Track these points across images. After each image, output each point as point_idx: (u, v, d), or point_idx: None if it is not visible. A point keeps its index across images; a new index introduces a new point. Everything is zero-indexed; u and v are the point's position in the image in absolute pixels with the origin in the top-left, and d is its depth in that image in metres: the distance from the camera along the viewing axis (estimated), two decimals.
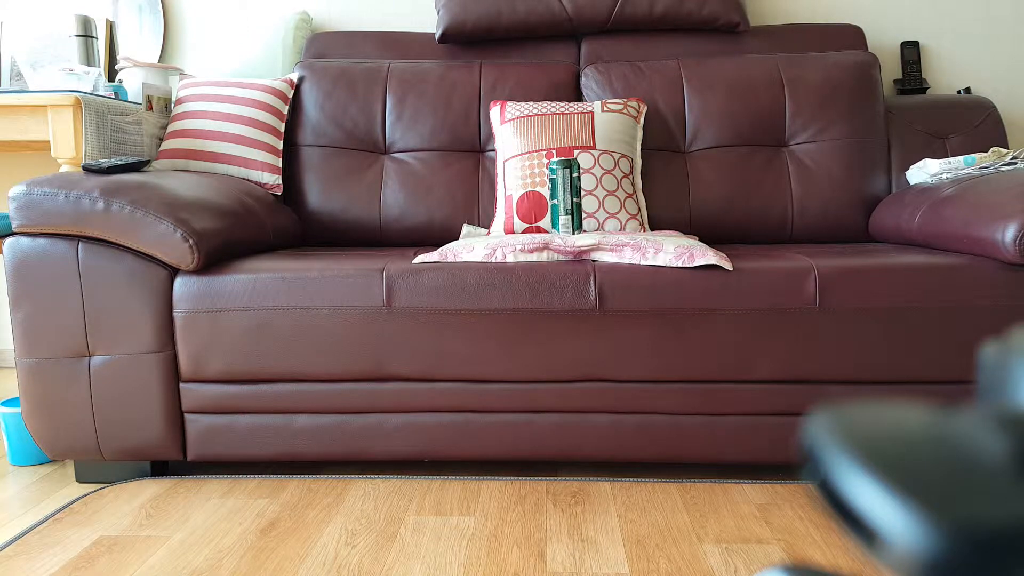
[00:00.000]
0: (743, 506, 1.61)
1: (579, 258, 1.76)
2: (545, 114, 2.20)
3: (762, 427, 1.69)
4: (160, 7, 2.75)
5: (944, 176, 2.05)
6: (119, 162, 1.89)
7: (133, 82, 2.42)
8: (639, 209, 2.15)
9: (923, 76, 2.62)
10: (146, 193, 1.74)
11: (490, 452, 1.74)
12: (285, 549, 1.45)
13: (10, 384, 2.72)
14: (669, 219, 2.28)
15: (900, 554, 0.16)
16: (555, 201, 1.96)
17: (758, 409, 1.68)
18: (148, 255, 1.73)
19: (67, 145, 2.06)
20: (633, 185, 2.17)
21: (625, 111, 2.22)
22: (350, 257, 1.86)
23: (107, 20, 2.71)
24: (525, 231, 2.10)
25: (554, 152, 2.13)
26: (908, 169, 2.23)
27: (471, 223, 2.30)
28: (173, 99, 2.39)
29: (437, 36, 2.47)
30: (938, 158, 2.18)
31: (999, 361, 0.21)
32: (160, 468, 1.87)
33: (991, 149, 2.07)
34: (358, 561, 1.40)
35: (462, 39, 2.48)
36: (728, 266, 1.65)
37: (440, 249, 1.80)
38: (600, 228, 2.08)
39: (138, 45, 2.75)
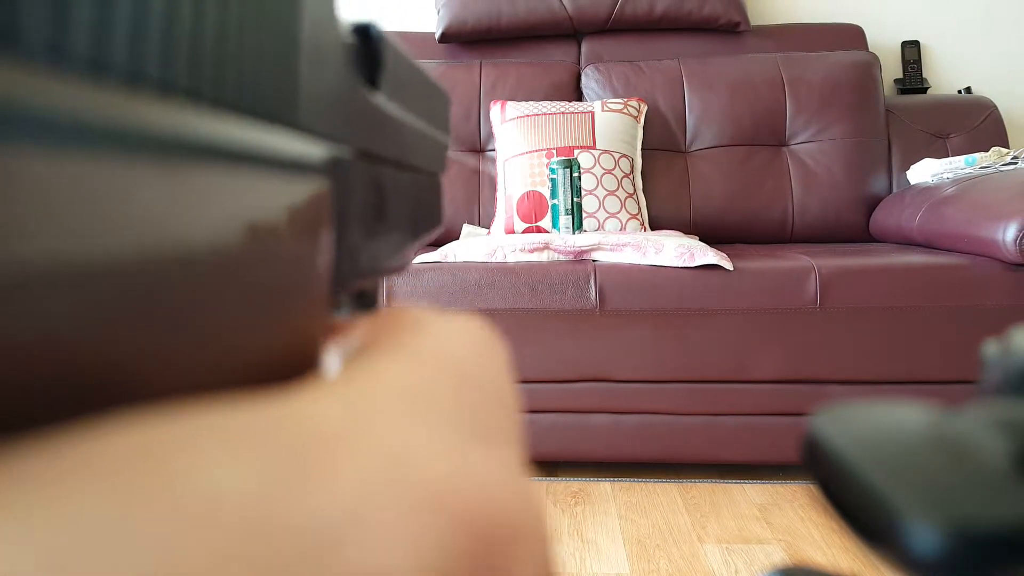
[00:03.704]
0: (744, 506, 1.60)
1: (579, 258, 1.76)
2: (546, 114, 2.20)
3: (762, 427, 1.68)
4: None
5: (945, 176, 2.05)
6: None
7: None
8: (639, 209, 2.15)
9: (924, 76, 2.62)
10: None
11: None
12: None
13: None
14: (670, 219, 2.27)
15: (900, 554, 0.16)
16: (555, 201, 1.95)
17: (758, 409, 1.68)
18: None
19: None
20: (633, 185, 2.17)
21: (625, 111, 2.22)
22: None
23: None
24: (525, 231, 2.09)
25: (554, 152, 2.13)
26: (909, 169, 2.23)
27: (471, 223, 2.30)
28: None
29: (437, 36, 2.46)
30: (939, 158, 2.18)
31: (1000, 361, 0.21)
32: None
33: (992, 149, 2.06)
34: None
35: (462, 39, 2.48)
36: (729, 266, 1.65)
37: (440, 249, 1.80)
38: (600, 228, 2.07)
39: None
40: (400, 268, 0.21)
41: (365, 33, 0.16)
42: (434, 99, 0.23)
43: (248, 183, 0.11)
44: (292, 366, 0.12)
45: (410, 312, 0.15)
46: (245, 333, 0.11)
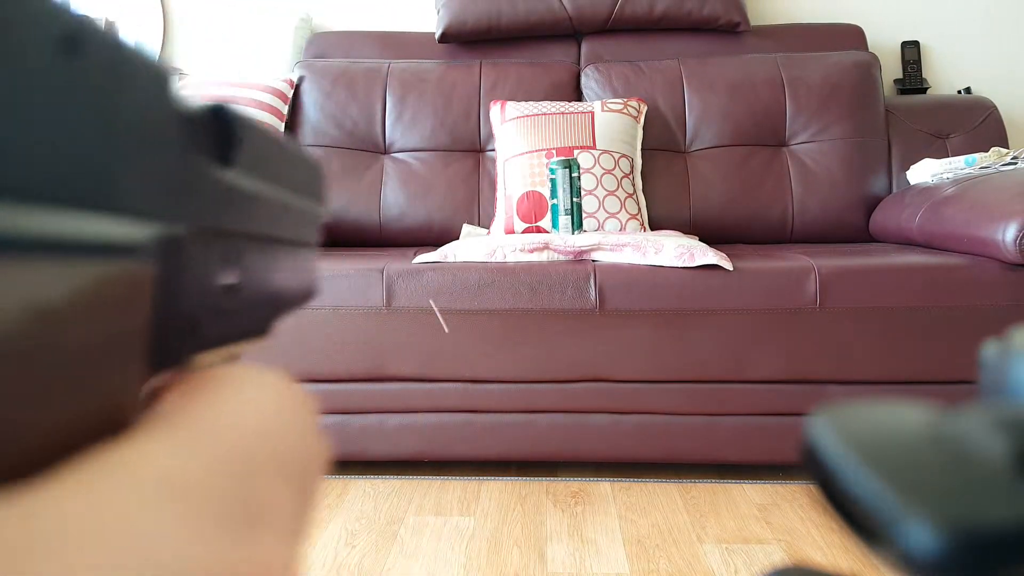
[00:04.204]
0: (743, 506, 1.61)
1: (579, 258, 1.76)
2: (545, 114, 2.20)
3: (762, 427, 1.69)
4: (160, 7, 2.75)
5: (944, 176, 2.05)
6: None
7: None
8: (639, 209, 2.15)
9: (923, 76, 2.62)
10: None
11: (490, 452, 1.74)
12: None
13: None
14: (669, 219, 2.28)
15: (900, 554, 0.16)
16: (555, 201, 1.95)
17: (758, 409, 1.68)
18: None
19: None
20: (633, 185, 2.17)
21: (625, 111, 2.22)
22: (350, 257, 1.85)
23: (107, 20, 2.71)
24: (525, 231, 2.10)
25: (554, 152, 2.13)
26: (908, 169, 2.23)
27: (471, 223, 2.30)
28: None
29: (437, 36, 2.47)
30: (938, 158, 2.18)
31: (999, 361, 0.21)
32: None
33: (991, 149, 2.07)
34: (358, 562, 1.40)
35: (462, 39, 2.48)
36: (728, 266, 1.65)
37: (440, 249, 1.80)
38: (600, 228, 2.08)
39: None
40: (262, 335, 0.21)
41: (219, 113, 0.17)
42: (304, 172, 0.23)
43: (42, 271, 0.11)
44: (96, 444, 0.12)
45: (215, 377, 0.15)
46: (36, 418, 0.11)
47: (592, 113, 2.19)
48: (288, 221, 0.22)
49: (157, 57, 0.14)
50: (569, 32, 2.50)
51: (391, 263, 1.73)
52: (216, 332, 0.18)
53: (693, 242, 1.77)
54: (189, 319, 0.16)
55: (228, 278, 0.18)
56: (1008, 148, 2.16)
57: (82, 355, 0.12)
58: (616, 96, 2.36)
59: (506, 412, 1.72)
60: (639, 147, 2.23)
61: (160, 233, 0.14)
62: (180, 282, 0.15)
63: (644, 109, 2.28)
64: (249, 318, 0.20)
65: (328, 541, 1.48)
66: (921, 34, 2.65)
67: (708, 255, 1.66)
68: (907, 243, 2.02)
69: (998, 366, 0.21)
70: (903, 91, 2.59)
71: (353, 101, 2.39)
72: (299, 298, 0.25)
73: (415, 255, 1.92)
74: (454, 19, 2.42)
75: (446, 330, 1.19)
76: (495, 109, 2.27)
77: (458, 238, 2.24)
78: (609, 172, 2.12)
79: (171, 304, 0.15)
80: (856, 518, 0.17)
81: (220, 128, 0.17)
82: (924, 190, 2.01)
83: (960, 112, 2.38)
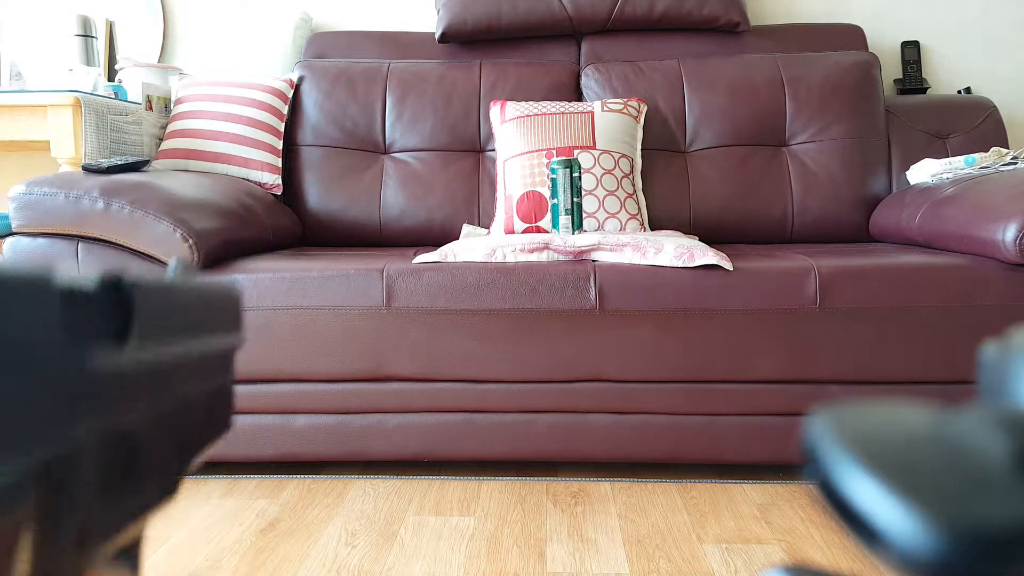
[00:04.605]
0: (743, 506, 1.61)
1: (579, 258, 1.76)
2: (545, 114, 2.20)
3: (762, 427, 1.69)
4: (160, 7, 2.75)
5: (944, 176, 2.05)
6: (119, 162, 1.89)
7: (133, 82, 2.42)
8: (639, 209, 2.15)
9: (923, 76, 2.62)
10: (145, 193, 1.74)
11: (490, 452, 1.74)
12: (285, 549, 1.45)
13: None
14: (669, 219, 2.28)
15: (900, 554, 0.16)
16: (555, 201, 1.95)
17: (758, 409, 1.68)
18: (148, 255, 1.73)
19: (67, 145, 2.06)
20: (633, 185, 2.17)
21: (625, 111, 2.22)
22: (350, 257, 1.85)
23: (107, 20, 2.71)
24: (525, 231, 2.09)
25: (554, 152, 2.13)
26: (908, 169, 2.23)
27: (471, 223, 2.30)
28: (173, 99, 2.39)
29: (437, 36, 2.47)
30: (938, 158, 2.18)
31: (999, 361, 0.21)
32: None
33: (991, 149, 2.07)
34: (358, 561, 1.40)
35: (462, 39, 2.48)
36: (728, 266, 1.65)
37: (440, 249, 1.80)
38: (600, 228, 2.08)
39: (138, 45, 2.75)
40: (169, 497, 0.20)
41: (111, 287, 0.15)
42: (214, 309, 0.22)
43: None
44: None
45: None
46: None
47: (592, 113, 2.19)
48: (197, 369, 0.21)
49: (28, 268, 0.12)
50: (569, 32, 2.50)
51: (391, 263, 1.73)
52: (113, 521, 0.16)
53: (693, 242, 1.77)
54: (80, 530, 0.14)
55: (126, 458, 0.17)
56: (1008, 148, 2.16)
57: None
58: (616, 96, 2.36)
59: (506, 412, 1.72)
60: (639, 147, 2.23)
61: (41, 460, 0.13)
62: (67, 501, 0.14)
63: (644, 109, 2.28)
64: (153, 487, 0.19)
65: (328, 541, 1.48)
66: (921, 34, 2.65)
67: (708, 255, 1.66)
68: (907, 243, 2.02)
69: (998, 366, 0.21)
70: (903, 91, 2.59)
71: (353, 101, 2.39)
72: (209, 442, 0.23)
73: (415, 255, 1.92)
74: (454, 19, 2.42)
75: None
76: (495, 109, 2.27)
77: (458, 238, 2.24)
78: (609, 172, 2.12)
79: (55, 529, 0.13)
80: (856, 518, 0.17)
81: (113, 303, 0.15)
82: (924, 190, 2.01)
83: (960, 112, 2.38)
